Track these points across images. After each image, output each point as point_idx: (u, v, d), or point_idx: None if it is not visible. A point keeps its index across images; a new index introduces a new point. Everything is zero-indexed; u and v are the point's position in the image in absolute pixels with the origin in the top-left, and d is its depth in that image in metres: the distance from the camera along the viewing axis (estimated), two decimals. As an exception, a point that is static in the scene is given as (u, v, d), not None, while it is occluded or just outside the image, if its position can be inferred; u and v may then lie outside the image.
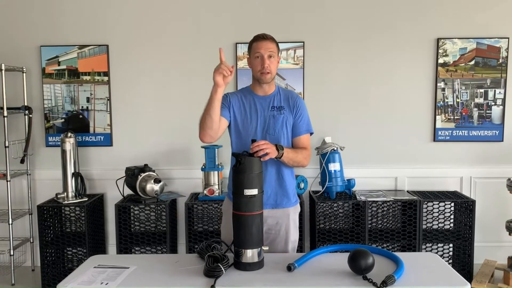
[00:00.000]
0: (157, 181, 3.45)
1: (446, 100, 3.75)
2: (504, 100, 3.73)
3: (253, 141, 1.99)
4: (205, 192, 3.50)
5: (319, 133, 3.64)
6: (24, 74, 3.71)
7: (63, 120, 3.81)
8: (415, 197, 3.49)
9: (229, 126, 2.26)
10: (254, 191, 1.84)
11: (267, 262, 1.87)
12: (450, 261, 3.61)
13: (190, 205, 3.50)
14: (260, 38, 2.18)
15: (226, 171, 3.54)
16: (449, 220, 3.66)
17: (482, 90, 3.73)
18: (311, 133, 2.29)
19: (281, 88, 2.30)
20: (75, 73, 3.77)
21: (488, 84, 3.73)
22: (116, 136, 3.82)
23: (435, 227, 3.68)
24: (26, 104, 3.70)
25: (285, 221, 2.23)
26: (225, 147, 3.51)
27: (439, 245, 3.60)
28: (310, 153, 2.26)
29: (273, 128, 2.17)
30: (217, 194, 3.48)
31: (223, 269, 1.72)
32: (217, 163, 3.52)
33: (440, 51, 3.70)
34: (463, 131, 3.77)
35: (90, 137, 3.82)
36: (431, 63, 3.72)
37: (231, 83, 3.71)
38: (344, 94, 3.76)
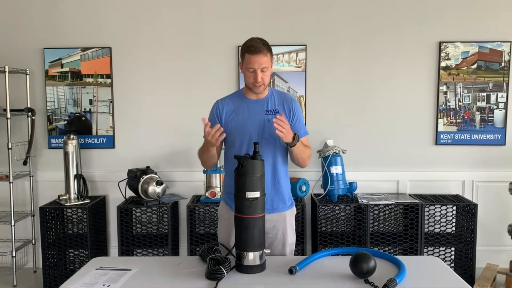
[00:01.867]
0: (159, 183, 3.46)
1: (448, 104, 3.75)
2: (506, 103, 3.73)
3: (255, 143, 1.97)
4: (207, 194, 3.50)
5: (321, 136, 3.65)
6: (27, 76, 3.73)
7: (65, 122, 3.82)
8: (417, 201, 3.49)
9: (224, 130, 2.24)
10: (256, 194, 1.84)
11: (268, 265, 1.88)
12: (452, 265, 3.60)
13: (192, 208, 3.50)
14: (253, 51, 2.08)
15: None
16: (451, 224, 3.66)
17: (484, 94, 3.73)
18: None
19: (274, 90, 2.27)
20: (78, 75, 3.79)
21: (490, 88, 3.73)
22: (118, 138, 3.83)
23: (437, 230, 3.68)
24: (29, 106, 3.71)
25: (282, 224, 2.23)
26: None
27: (441, 248, 3.59)
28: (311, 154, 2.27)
29: (269, 132, 2.13)
30: (219, 197, 3.48)
31: (225, 271, 1.73)
32: (219, 166, 3.52)
33: (442, 54, 3.70)
34: (465, 135, 3.76)
35: (93, 139, 3.83)
36: (433, 66, 3.72)
37: (232, 83, 3.72)
38: (346, 97, 3.76)
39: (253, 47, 2.09)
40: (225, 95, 2.31)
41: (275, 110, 2.18)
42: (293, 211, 2.30)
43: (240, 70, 2.24)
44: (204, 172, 3.53)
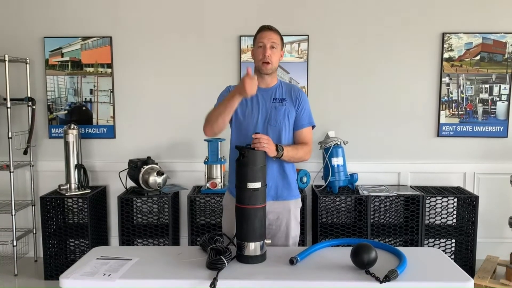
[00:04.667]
0: (159, 173, 3.45)
1: (450, 95, 3.73)
2: (509, 95, 3.71)
3: (257, 134, 1.98)
4: (207, 185, 3.50)
5: (323, 127, 3.63)
6: (28, 65, 3.71)
7: (66, 111, 3.81)
8: (418, 192, 3.48)
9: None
10: (257, 185, 1.84)
11: (269, 256, 1.88)
12: (452, 256, 3.61)
13: (193, 198, 3.50)
14: (265, 28, 2.20)
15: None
16: (452, 216, 3.66)
17: (487, 86, 3.71)
18: (313, 126, 2.29)
19: (283, 82, 2.31)
20: (79, 65, 3.76)
21: (493, 80, 3.70)
22: (119, 128, 3.82)
23: (437, 222, 3.68)
24: (29, 95, 3.70)
25: (286, 216, 2.23)
26: (228, 141, 3.50)
27: (442, 240, 3.59)
28: (311, 148, 2.26)
29: (275, 119, 2.17)
30: (220, 187, 3.48)
31: (225, 261, 1.72)
32: (219, 157, 3.51)
33: (446, 45, 3.67)
34: (467, 127, 3.75)
35: (93, 129, 3.82)
36: (436, 57, 3.70)
37: (234, 73, 3.70)
38: (348, 88, 3.74)
39: (266, 26, 2.21)
40: (226, 85, 2.32)
41: (282, 98, 2.22)
42: (298, 203, 2.29)
43: (251, 56, 2.26)
44: (205, 163, 3.52)
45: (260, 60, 2.17)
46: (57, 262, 3.57)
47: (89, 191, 3.58)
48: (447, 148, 3.78)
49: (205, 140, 3.54)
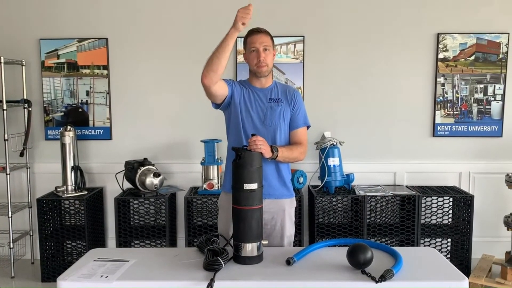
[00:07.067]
0: (156, 175, 3.45)
1: (445, 95, 3.75)
2: (503, 95, 3.73)
3: (253, 135, 1.99)
4: (204, 186, 3.50)
5: (319, 128, 3.64)
6: (23, 67, 3.70)
7: (62, 113, 3.81)
8: (413, 192, 3.50)
9: (226, 115, 2.28)
10: (254, 186, 1.85)
11: (266, 256, 1.88)
12: (448, 255, 3.63)
13: (190, 199, 3.51)
14: (255, 32, 2.22)
15: (226, 165, 3.54)
16: (447, 215, 3.68)
17: (482, 86, 3.73)
18: (308, 127, 2.30)
19: (278, 82, 2.33)
20: (75, 67, 3.76)
21: (488, 80, 3.73)
22: (115, 130, 3.82)
23: (433, 222, 3.70)
24: (25, 97, 3.69)
25: (281, 215, 2.24)
26: (225, 142, 3.51)
27: (437, 239, 3.61)
28: (306, 148, 2.28)
29: (270, 119, 2.19)
30: (217, 188, 3.49)
31: (222, 262, 1.73)
32: (216, 157, 3.52)
33: (440, 46, 3.69)
34: (462, 127, 3.77)
35: (90, 130, 3.82)
36: (431, 58, 3.72)
37: (230, 74, 3.70)
38: (344, 89, 3.76)
39: (254, 29, 2.23)
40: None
41: (278, 99, 2.24)
42: (292, 202, 2.31)
43: (244, 60, 2.28)
44: (201, 164, 3.53)
45: (255, 65, 2.19)
46: (54, 264, 3.57)
47: (85, 192, 3.58)
48: (443, 148, 3.80)
49: (201, 141, 3.55)
